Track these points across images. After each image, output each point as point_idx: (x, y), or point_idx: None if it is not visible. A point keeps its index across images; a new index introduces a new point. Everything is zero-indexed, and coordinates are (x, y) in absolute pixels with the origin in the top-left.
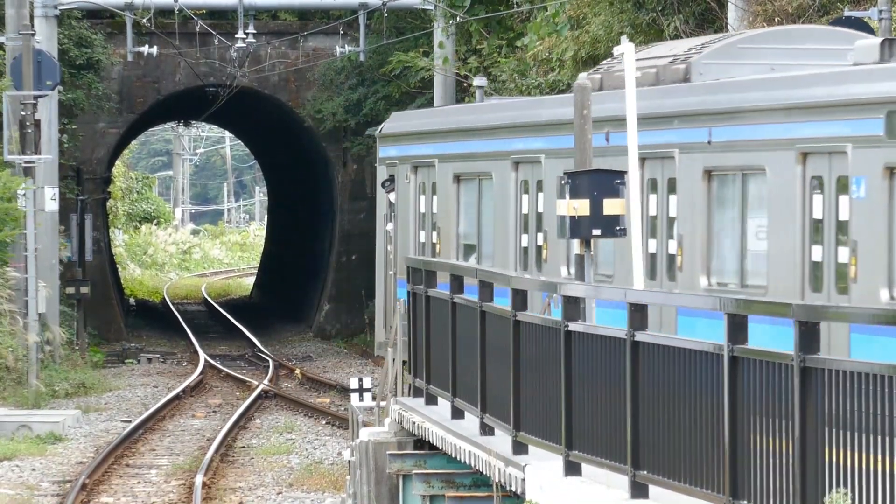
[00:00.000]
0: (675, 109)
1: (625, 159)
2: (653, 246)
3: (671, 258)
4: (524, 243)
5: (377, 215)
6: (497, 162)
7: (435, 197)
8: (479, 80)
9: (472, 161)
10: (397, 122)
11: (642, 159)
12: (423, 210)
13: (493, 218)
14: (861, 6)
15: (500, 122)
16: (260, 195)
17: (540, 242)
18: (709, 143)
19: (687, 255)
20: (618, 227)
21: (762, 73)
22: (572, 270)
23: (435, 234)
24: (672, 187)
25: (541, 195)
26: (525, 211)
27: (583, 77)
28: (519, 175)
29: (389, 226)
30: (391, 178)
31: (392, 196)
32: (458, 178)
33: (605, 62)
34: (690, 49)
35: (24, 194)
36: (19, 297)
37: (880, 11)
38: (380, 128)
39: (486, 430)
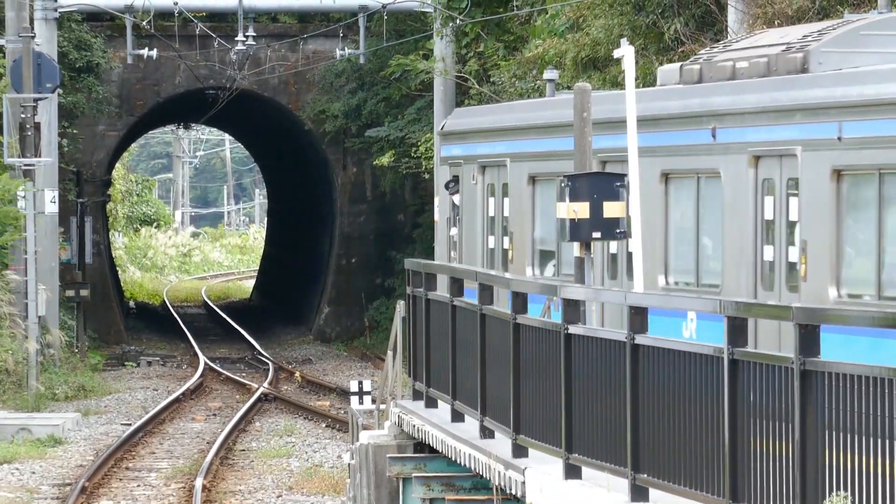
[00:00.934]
0: (797, 102)
1: (736, 157)
2: (769, 253)
3: (791, 266)
4: (613, 250)
5: (436, 220)
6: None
7: (506, 199)
8: (549, 73)
9: (550, 160)
10: (461, 118)
11: (755, 157)
12: (492, 214)
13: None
14: (861, 9)
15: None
16: (260, 198)
17: (632, 249)
18: (839, 139)
19: (812, 263)
20: (618, 230)
21: (889, 63)
22: (672, 279)
23: (507, 239)
24: (793, 188)
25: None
26: None
27: (651, 61)
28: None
29: (453, 231)
30: (455, 179)
31: (456, 198)
32: (533, 179)
33: (703, 51)
34: (805, 37)
35: (24, 196)
36: (19, 299)
37: (880, 13)
38: (441, 124)
39: (486, 433)
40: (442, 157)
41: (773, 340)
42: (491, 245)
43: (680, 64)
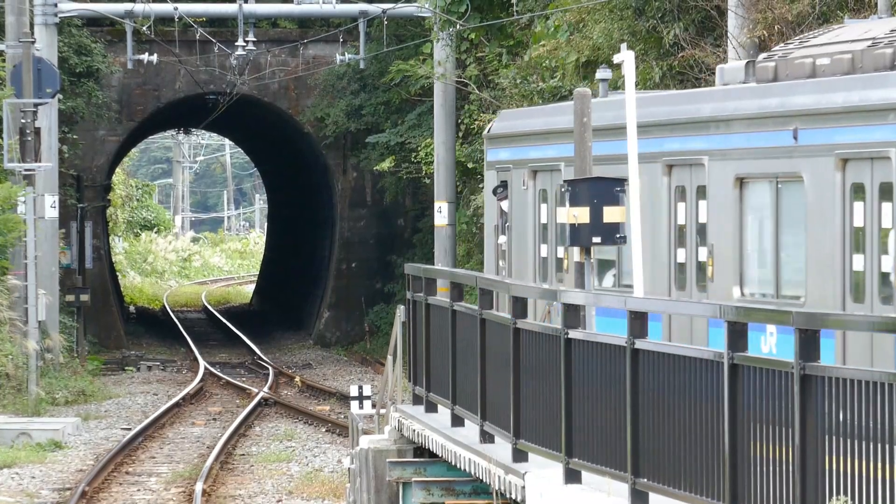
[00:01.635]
0: (890, 101)
1: (821, 160)
2: (858, 263)
3: (884, 277)
4: (681, 259)
5: (486, 226)
6: (644, 165)
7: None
8: (602, 73)
9: (607, 165)
10: (509, 121)
11: (843, 160)
12: (544, 221)
13: (640, 229)
14: (861, 14)
15: (646, 119)
16: (260, 203)
17: (703, 258)
18: None
19: None
20: (618, 235)
21: None
22: (748, 290)
23: (561, 248)
24: (886, 193)
25: (703, 203)
26: (681, 221)
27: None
28: (673, 180)
29: (501, 239)
30: (503, 185)
31: (504, 205)
32: None
33: (777, 47)
34: (893, 31)
35: (24, 201)
36: (19, 304)
37: (880, 19)
38: (488, 127)
39: (486, 437)
40: (488, 161)
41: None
42: (543, 254)
43: (746, 61)
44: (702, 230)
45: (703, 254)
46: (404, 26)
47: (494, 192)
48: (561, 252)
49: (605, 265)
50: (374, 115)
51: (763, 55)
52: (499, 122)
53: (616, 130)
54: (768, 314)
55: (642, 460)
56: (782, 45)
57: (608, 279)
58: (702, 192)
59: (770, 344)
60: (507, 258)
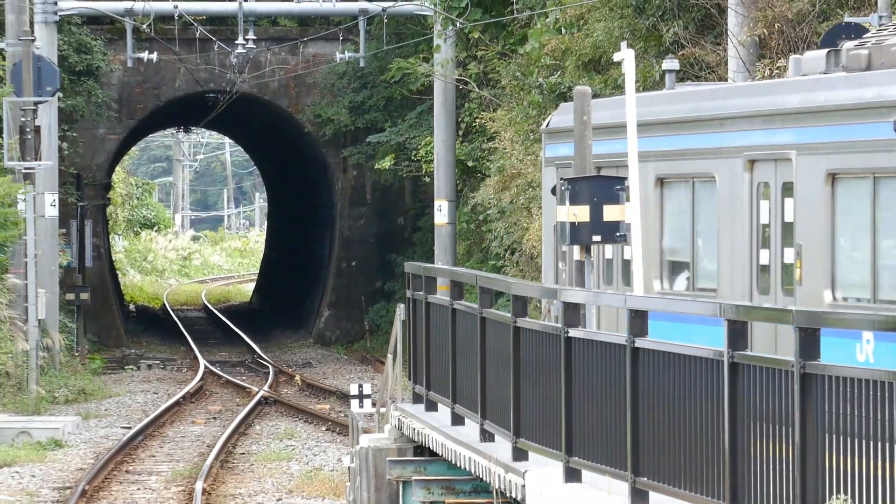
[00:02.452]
0: None
1: None
2: None
3: None
4: (764, 260)
5: (544, 228)
6: (723, 160)
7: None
8: (669, 63)
9: (682, 160)
10: (570, 114)
11: None
12: None
13: (717, 229)
14: (861, 12)
15: (725, 111)
16: (260, 201)
17: (790, 259)
18: None
19: None
20: (618, 234)
21: None
22: (840, 294)
23: (628, 250)
24: None
25: (789, 201)
26: (765, 220)
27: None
28: (755, 176)
29: None
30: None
31: None
32: (660, 181)
33: (868, 34)
34: None
35: (24, 199)
36: (19, 303)
37: (880, 17)
38: (546, 121)
39: (486, 436)
40: (547, 157)
41: None
42: (609, 255)
43: (828, 50)
44: (788, 230)
45: (789, 255)
46: (404, 24)
47: (553, 191)
48: (628, 253)
49: (676, 267)
50: (376, 111)
51: (852, 43)
52: (558, 115)
53: (691, 123)
54: (768, 313)
55: (642, 459)
56: (873, 31)
57: (680, 282)
58: (788, 189)
59: (867, 352)
60: (567, 259)
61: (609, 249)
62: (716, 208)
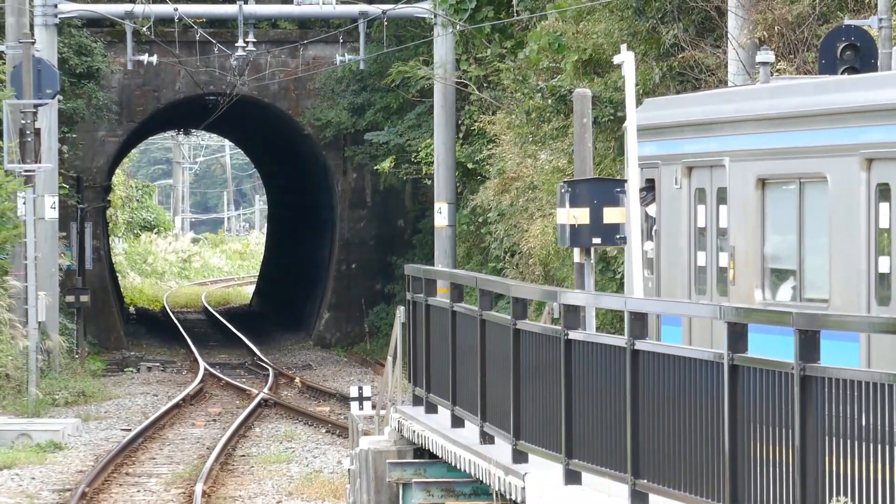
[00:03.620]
0: None
1: None
2: None
3: None
4: (884, 268)
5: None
6: (835, 159)
7: (724, 207)
8: (763, 55)
9: (788, 158)
10: (655, 110)
11: None
12: (702, 224)
13: (829, 234)
14: (861, 15)
15: (839, 105)
16: (260, 204)
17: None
18: None
19: None
20: (618, 236)
21: None
22: None
23: (725, 255)
24: None
25: None
26: (884, 224)
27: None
28: (873, 176)
29: (647, 245)
30: (649, 185)
31: (651, 209)
32: (762, 182)
33: None
34: None
35: (24, 202)
36: (19, 305)
37: (880, 20)
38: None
39: (486, 438)
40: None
41: None
42: (701, 262)
43: None
44: None
45: None
46: (404, 27)
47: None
48: (724, 260)
49: (780, 276)
50: (376, 117)
51: None
52: (642, 111)
53: (798, 119)
54: (767, 314)
55: (642, 461)
56: None
57: (785, 291)
58: None
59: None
60: (654, 266)
61: (702, 256)
62: (827, 211)
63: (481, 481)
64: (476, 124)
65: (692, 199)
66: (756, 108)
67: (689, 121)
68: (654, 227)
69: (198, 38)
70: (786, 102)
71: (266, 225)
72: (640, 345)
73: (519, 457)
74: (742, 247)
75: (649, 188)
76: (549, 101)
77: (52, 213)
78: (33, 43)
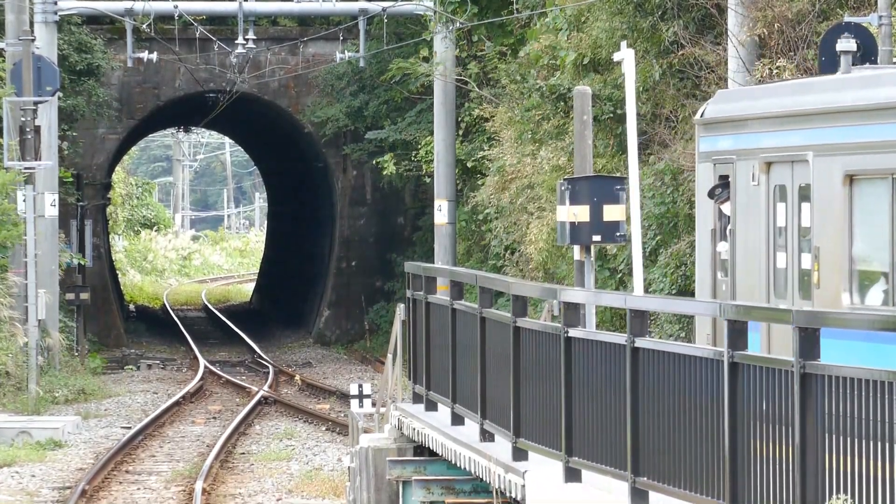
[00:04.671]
0: None
1: None
2: None
3: None
4: None
5: (698, 231)
6: None
7: (807, 205)
8: (845, 43)
9: (879, 153)
10: (730, 102)
11: None
12: (782, 224)
13: None
14: (861, 12)
15: None
16: (260, 201)
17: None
18: None
19: None
20: (618, 233)
21: None
22: None
23: (808, 256)
24: None
25: None
26: None
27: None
28: None
29: (721, 246)
30: (723, 183)
31: (726, 207)
32: (850, 178)
33: None
34: None
35: (24, 199)
36: (19, 303)
37: (880, 17)
38: (701, 110)
39: (486, 436)
40: (702, 152)
41: None
42: (781, 264)
43: None
44: None
45: None
46: (404, 24)
47: (711, 193)
48: (807, 262)
49: (869, 278)
50: (376, 116)
51: None
52: (715, 103)
53: (886, 111)
54: (767, 313)
55: (642, 459)
56: None
57: (875, 295)
58: None
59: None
60: (729, 268)
61: (781, 258)
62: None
63: (481, 479)
64: (476, 112)
65: (771, 196)
66: (843, 100)
67: (768, 113)
68: (729, 227)
69: (198, 36)
70: (877, 93)
71: (266, 222)
72: (640, 342)
73: (519, 454)
74: (827, 247)
75: (723, 185)
76: (548, 100)
77: (52, 210)
78: (33, 40)
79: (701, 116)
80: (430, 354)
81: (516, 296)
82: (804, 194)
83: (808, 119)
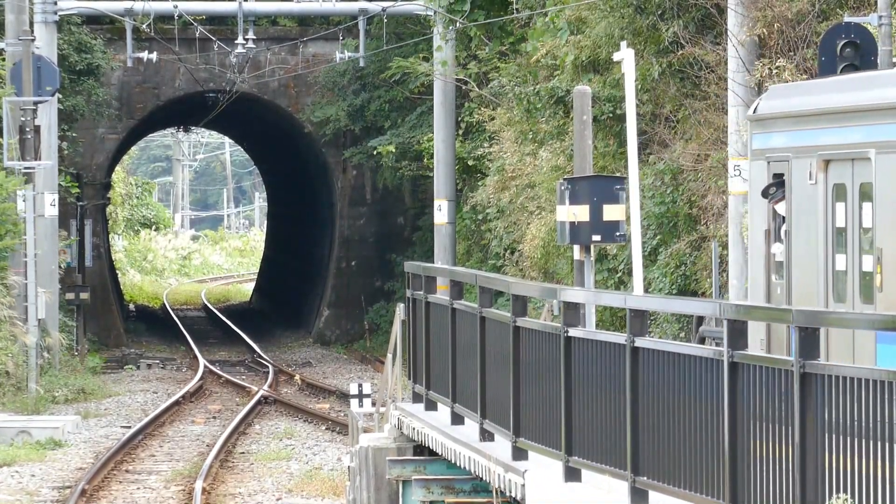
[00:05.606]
0: None
1: None
2: None
3: None
4: None
5: (750, 231)
6: None
7: (868, 205)
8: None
9: None
10: (784, 97)
11: None
12: (841, 224)
13: None
14: (860, 12)
15: None
16: (259, 201)
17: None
18: None
19: None
20: (617, 233)
21: None
22: None
23: (870, 258)
24: None
25: None
26: None
27: None
28: None
29: (776, 247)
30: (778, 182)
31: (781, 207)
32: None
33: None
34: None
35: (24, 199)
36: (19, 302)
37: (880, 17)
38: (753, 106)
39: (486, 435)
40: (755, 149)
41: None
42: (841, 266)
43: None
44: None
45: None
46: (404, 24)
47: (765, 192)
48: (869, 264)
49: None
50: (376, 115)
51: None
52: (768, 99)
53: None
54: (767, 313)
55: (642, 458)
56: None
57: None
58: None
59: None
60: (784, 270)
61: (841, 260)
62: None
63: (481, 478)
64: (475, 116)
65: (829, 195)
66: None
67: (826, 108)
68: (785, 228)
69: (197, 36)
70: None
71: (266, 222)
72: (640, 342)
73: (519, 454)
74: (890, 249)
75: (778, 184)
76: (547, 104)
77: (51, 210)
78: (33, 40)
79: (753, 112)
80: (429, 354)
81: (516, 295)
82: (865, 193)
83: (871, 115)
